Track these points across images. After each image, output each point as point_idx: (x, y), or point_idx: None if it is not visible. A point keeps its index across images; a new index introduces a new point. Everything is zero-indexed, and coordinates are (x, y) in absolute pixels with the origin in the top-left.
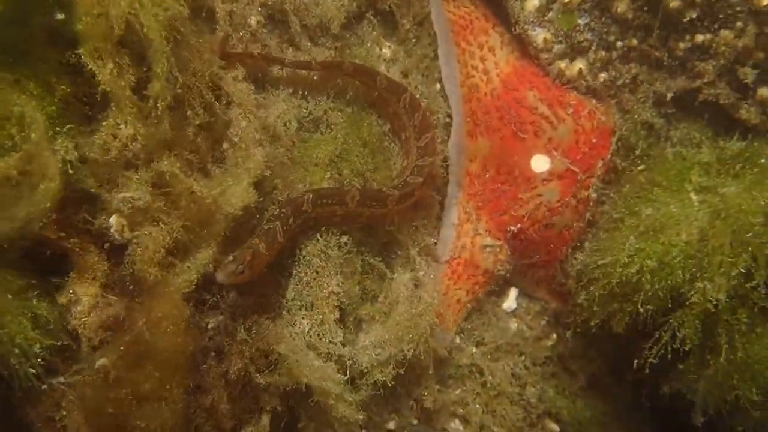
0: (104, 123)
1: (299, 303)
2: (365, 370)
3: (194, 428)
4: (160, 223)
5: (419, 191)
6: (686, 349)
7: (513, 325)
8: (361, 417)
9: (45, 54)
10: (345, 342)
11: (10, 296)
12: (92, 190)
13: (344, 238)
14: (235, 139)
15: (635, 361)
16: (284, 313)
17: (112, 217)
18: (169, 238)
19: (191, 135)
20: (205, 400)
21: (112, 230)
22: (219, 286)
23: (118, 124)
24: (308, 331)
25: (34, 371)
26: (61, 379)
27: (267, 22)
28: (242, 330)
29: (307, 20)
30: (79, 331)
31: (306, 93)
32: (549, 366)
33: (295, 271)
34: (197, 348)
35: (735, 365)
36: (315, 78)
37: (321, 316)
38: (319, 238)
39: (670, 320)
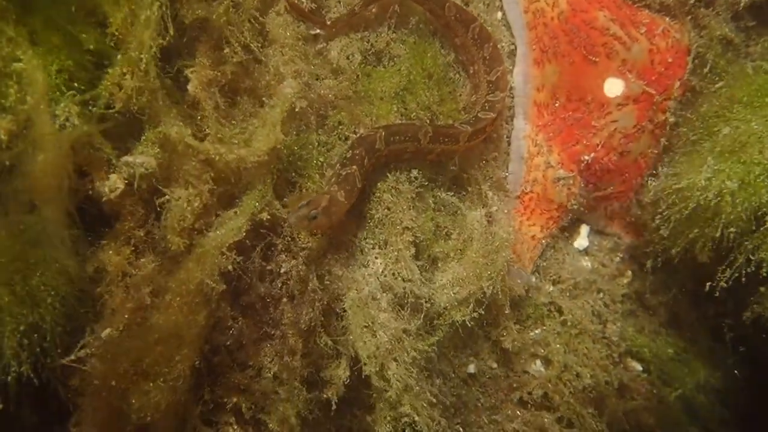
0: (110, 71)
1: (372, 242)
2: (443, 311)
3: (272, 376)
4: (189, 187)
5: (491, 127)
6: (764, 274)
7: (586, 263)
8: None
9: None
10: (421, 281)
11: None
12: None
13: (414, 172)
14: (267, 77)
15: (708, 284)
16: (357, 253)
17: (111, 176)
18: (197, 202)
19: (229, 74)
20: (280, 348)
21: (105, 187)
22: (290, 230)
23: (124, 74)
24: (382, 272)
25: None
26: (72, 357)
27: None
28: (315, 277)
29: None
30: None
31: (366, 26)
32: (627, 304)
33: (365, 209)
34: (211, 322)
35: None
36: (374, 10)
37: (396, 254)
38: (389, 174)
39: (746, 243)
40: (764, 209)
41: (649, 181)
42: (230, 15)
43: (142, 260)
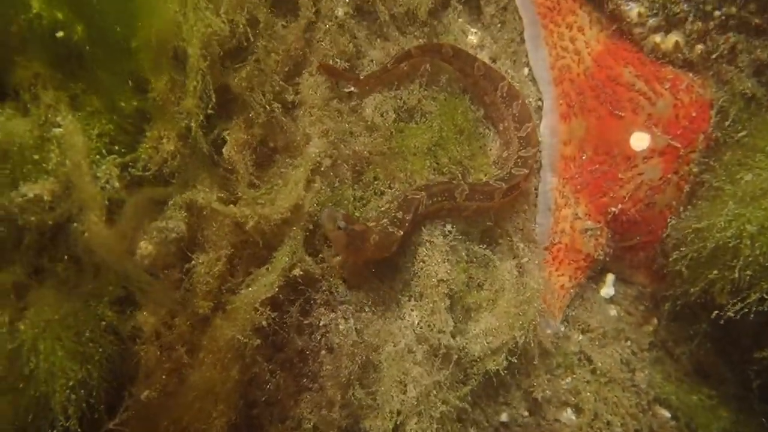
0: (148, 134)
1: (408, 294)
2: (477, 360)
3: (312, 427)
4: (209, 252)
5: (524, 183)
6: None
7: (612, 311)
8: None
9: (112, 66)
10: (455, 332)
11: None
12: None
13: (448, 227)
14: (297, 137)
15: (715, 312)
16: (394, 305)
17: (141, 242)
18: (218, 266)
19: (257, 135)
20: (318, 399)
21: (137, 253)
22: (330, 283)
23: (161, 138)
24: (418, 323)
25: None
26: (117, 420)
27: (354, 13)
28: (353, 332)
29: (395, 9)
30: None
31: (398, 84)
32: (653, 351)
33: (401, 262)
34: (246, 377)
35: None
36: (405, 68)
37: (431, 305)
38: (423, 228)
39: (763, 283)
40: None
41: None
42: (252, 80)
43: (176, 320)
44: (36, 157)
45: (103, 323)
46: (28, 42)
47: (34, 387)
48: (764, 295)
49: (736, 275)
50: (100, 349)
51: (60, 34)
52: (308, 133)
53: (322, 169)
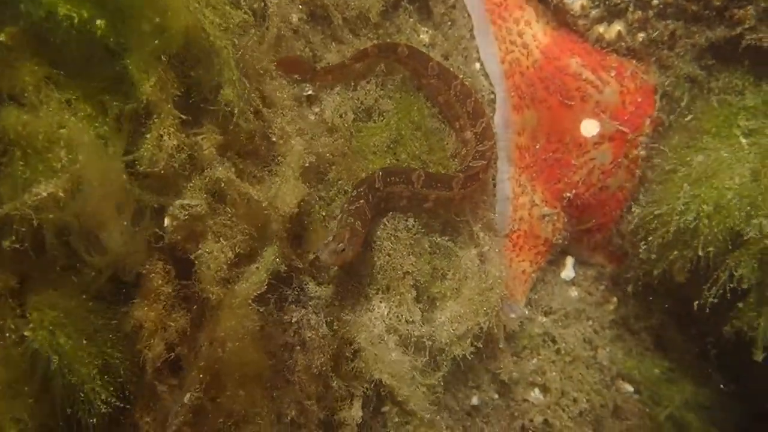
0: (147, 135)
1: (375, 287)
2: (444, 347)
3: (289, 422)
4: (220, 239)
5: (484, 173)
6: (744, 287)
7: (573, 293)
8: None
9: (99, 71)
10: (423, 321)
11: (84, 341)
12: (153, 203)
13: (410, 221)
14: (274, 138)
15: (695, 302)
16: (362, 299)
17: (165, 219)
18: (230, 253)
19: (243, 141)
20: (296, 394)
21: (166, 228)
22: (299, 280)
23: (161, 136)
24: (387, 315)
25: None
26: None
27: (308, 19)
28: (324, 324)
29: (347, 13)
30: (145, 356)
31: (355, 84)
32: (614, 329)
33: (367, 257)
34: (272, 356)
35: None
36: (361, 68)
37: (399, 297)
38: (387, 223)
39: (728, 260)
40: (738, 229)
41: (632, 208)
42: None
43: (174, 315)
44: (49, 156)
45: (101, 321)
46: (44, 45)
47: (60, 382)
48: (732, 272)
49: (700, 253)
50: (109, 341)
51: None
52: (288, 132)
53: (306, 164)
